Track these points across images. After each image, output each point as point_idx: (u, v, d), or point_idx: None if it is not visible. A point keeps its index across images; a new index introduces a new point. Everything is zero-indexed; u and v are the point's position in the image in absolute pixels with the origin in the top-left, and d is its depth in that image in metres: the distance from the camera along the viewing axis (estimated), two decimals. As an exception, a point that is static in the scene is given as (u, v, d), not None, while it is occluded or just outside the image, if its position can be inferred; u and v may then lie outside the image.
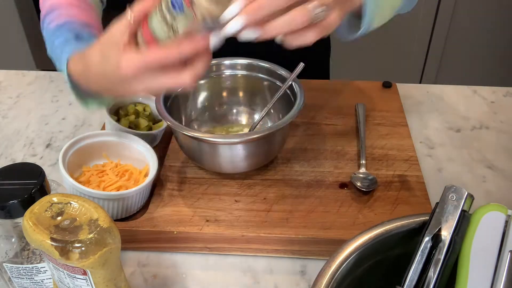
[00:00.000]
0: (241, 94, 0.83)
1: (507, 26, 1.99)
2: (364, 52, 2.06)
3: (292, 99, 0.73)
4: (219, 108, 0.83)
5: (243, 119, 0.83)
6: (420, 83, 2.16)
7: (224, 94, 0.82)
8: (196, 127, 0.81)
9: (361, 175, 0.72)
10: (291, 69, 0.76)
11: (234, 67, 0.80)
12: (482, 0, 1.93)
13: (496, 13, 1.96)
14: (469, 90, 0.98)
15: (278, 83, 0.78)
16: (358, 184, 0.70)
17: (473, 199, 0.47)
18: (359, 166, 0.75)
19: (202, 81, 0.80)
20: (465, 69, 2.12)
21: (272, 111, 0.80)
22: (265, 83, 0.80)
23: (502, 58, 2.08)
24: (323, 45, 1.06)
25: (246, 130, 0.82)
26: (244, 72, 0.81)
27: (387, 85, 0.93)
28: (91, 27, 0.64)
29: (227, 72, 0.81)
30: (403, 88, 0.96)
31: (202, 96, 0.82)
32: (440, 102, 0.94)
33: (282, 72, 0.77)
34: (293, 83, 0.74)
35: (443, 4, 1.93)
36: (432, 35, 2.02)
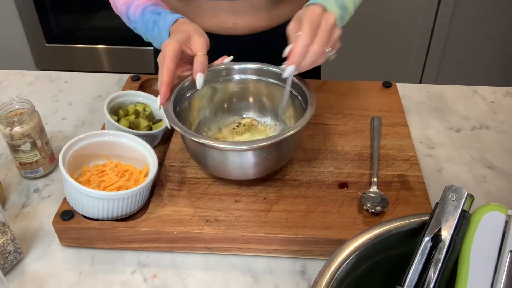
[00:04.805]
0: (251, 99, 0.82)
1: (507, 26, 1.99)
2: (364, 52, 2.06)
3: (302, 102, 0.72)
4: (228, 113, 0.82)
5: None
6: (420, 83, 2.16)
7: (234, 99, 0.81)
8: (205, 132, 0.80)
9: (372, 195, 0.69)
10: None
11: (244, 72, 0.79)
12: (482, 0, 1.93)
13: (496, 13, 1.95)
14: (469, 90, 0.98)
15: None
16: (368, 205, 0.67)
17: (473, 199, 0.47)
18: (370, 184, 0.72)
19: (213, 85, 0.79)
20: (465, 69, 2.12)
21: (282, 117, 0.79)
22: (275, 88, 0.78)
23: (502, 58, 2.08)
24: None
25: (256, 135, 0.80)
26: (254, 77, 0.79)
27: (387, 85, 0.93)
28: (158, 4, 0.83)
29: (237, 76, 0.79)
30: (403, 88, 0.96)
31: (212, 101, 0.81)
32: (440, 102, 0.94)
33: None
34: (304, 89, 0.72)
35: (443, 4, 1.93)
36: (432, 35, 2.02)
